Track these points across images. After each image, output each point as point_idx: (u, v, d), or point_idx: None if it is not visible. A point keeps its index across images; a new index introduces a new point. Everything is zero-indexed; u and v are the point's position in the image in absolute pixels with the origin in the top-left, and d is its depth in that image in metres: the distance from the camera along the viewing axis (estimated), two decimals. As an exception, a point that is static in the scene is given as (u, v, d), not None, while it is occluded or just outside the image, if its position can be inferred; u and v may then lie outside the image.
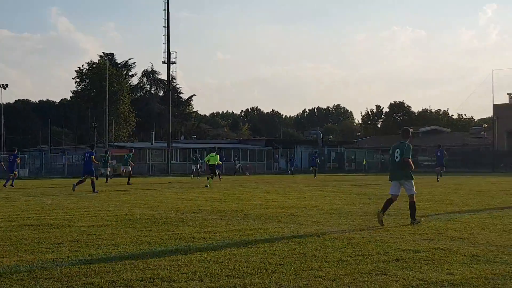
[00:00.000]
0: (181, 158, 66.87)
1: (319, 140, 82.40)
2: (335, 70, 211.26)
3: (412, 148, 13.15)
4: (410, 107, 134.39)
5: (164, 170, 62.55)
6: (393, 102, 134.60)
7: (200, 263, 8.35)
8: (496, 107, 75.61)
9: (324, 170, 66.37)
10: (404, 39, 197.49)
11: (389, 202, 13.08)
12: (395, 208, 16.97)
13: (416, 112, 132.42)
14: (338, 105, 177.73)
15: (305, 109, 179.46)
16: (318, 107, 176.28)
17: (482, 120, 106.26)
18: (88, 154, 26.41)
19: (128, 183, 34.63)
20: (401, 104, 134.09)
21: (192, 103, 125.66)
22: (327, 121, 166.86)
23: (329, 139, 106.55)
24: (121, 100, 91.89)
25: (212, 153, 32.62)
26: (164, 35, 66.76)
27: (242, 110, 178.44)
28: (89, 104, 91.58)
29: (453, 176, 46.64)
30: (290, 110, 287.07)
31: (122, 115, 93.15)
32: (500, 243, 10.20)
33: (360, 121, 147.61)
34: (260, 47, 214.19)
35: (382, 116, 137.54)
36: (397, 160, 13.10)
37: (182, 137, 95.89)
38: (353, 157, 78.82)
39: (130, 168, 37.06)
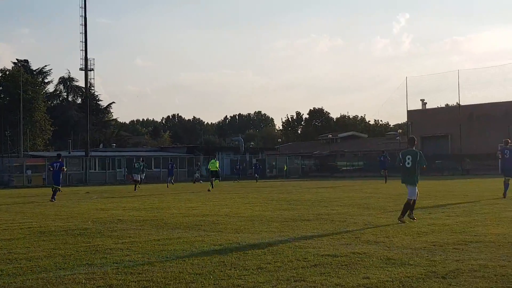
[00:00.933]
0: (100, 167, 65.52)
1: (240, 147, 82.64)
2: (256, 77, 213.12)
3: (423, 155, 14.84)
4: (329, 113, 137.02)
5: (82, 179, 61.19)
6: (312, 109, 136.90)
7: (117, 276, 8.16)
8: (410, 113, 77.94)
9: (246, 177, 66.57)
10: (322, 46, 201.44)
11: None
12: (314, 213, 17.19)
13: (334, 118, 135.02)
14: (259, 112, 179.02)
15: (226, 116, 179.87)
16: (240, 113, 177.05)
17: (398, 126, 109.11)
18: (58, 164, 27.34)
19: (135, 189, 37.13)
20: (320, 110, 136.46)
21: (111, 110, 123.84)
22: (249, 128, 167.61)
23: (251, 146, 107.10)
24: (36, 108, 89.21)
25: (212, 160, 36.98)
26: (82, 42, 65.53)
27: (163, 118, 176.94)
28: (2, 112, 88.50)
29: (371, 180, 47.70)
30: (211, 117, 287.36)
31: (38, 124, 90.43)
32: (414, 245, 10.46)
33: (280, 128, 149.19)
34: (181, 54, 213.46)
35: (302, 123, 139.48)
36: (408, 166, 14.54)
37: (101, 146, 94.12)
38: (274, 163, 79.44)
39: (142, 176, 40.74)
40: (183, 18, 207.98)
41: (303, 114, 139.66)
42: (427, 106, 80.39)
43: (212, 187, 34.70)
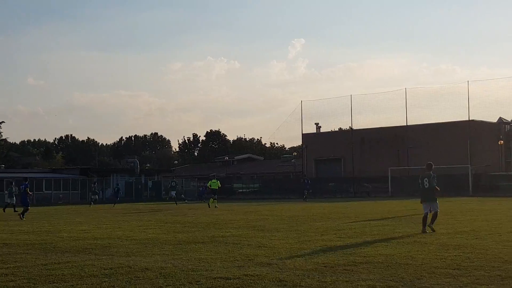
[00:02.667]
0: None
1: (135, 168, 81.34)
2: (152, 98, 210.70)
3: (436, 177, 17.60)
4: (225, 135, 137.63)
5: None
6: (209, 131, 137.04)
7: (-1, 303, 7.75)
8: (305, 136, 79.61)
9: (141, 199, 65.52)
10: (219, 69, 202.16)
11: (425, 218, 17.13)
12: (209, 235, 17.11)
13: (231, 141, 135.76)
14: (156, 133, 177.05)
15: (122, 137, 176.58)
16: (136, 135, 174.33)
17: (293, 149, 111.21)
18: (24, 186, 29.19)
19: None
20: (217, 132, 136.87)
21: (1, 130, 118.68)
22: (145, 150, 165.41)
23: (146, 167, 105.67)
24: None
25: (213, 180, 40.51)
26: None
27: (55, 138, 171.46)
28: None
29: (267, 202, 48.15)
30: (106, 138, 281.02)
31: None
32: (306, 267, 10.59)
33: (177, 150, 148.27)
34: (75, 74, 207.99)
35: (199, 145, 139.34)
36: (426, 186, 17.40)
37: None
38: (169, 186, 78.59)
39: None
40: (78, 38, 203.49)
41: (200, 136, 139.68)
42: (321, 130, 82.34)
43: (209, 206, 38.81)
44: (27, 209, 28.82)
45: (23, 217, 27.98)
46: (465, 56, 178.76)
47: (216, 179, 41.39)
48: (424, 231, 16.74)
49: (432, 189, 17.44)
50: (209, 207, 38.16)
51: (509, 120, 71.48)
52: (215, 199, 39.34)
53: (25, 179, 30.43)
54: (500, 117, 69.86)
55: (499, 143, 66.43)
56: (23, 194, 29.43)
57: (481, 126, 66.56)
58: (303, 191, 53.97)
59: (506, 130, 69.96)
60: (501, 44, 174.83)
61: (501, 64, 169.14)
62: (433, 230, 16.79)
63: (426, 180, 17.45)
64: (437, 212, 17.37)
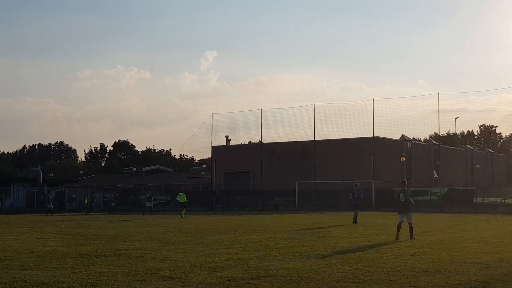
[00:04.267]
0: None
1: (38, 178, 78.79)
2: (59, 106, 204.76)
3: (410, 193, 20.74)
4: (134, 146, 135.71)
5: None
6: (117, 141, 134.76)
7: None
8: (215, 149, 79.51)
9: (43, 210, 63.39)
10: (130, 79, 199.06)
11: (399, 226, 19.73)
12: (112, 248, 16.69)
13: (140, 151, 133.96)
14: (61, 142, 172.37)
15: (25, 145, 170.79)
16: (40, 143, 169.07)
17: (202, 161, 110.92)
18: None
19: None
20: (126, 143, 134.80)
21: None
22: (49, 159, 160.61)
23: (50, 177, 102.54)
24: None
25: (180, 193, 45.01)
26: None
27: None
28: None
29: (174, 215, 47.63)
30: (8, 146, 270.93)
31: None
32: (209, 281, 10.47)
33: (83, 159, 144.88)
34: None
35: (106, 155, 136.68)
36: (402, 200, 20.11)
37: None
38: (74, 196, 76.57)
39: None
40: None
41: (107, 146, 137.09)
42: (231, 143, 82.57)
43: (182, 216, 41.21)
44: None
45: None
46: (371, 75, 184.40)
47: (183, 192, 45.34)
48: (397, 238, 19.19)
49: (408, 203, 20.16)
50: (182, 217, 40.71)
51: (411, 137, 74.10)
52: (182, 210, 42.67)
53: None
54: (402, 135, 72.33)
55: (401, 159, 68.74)
56: None
57: (385, 143, 68.69)
58: (214, 204, 56.78)
59: (408, 147, 72.49)
60: (404, 63, 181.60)
61: (403, 83, 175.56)
62: (412, 238, 19.32)
63: (402, 195, 20.21)
64: (411, 224, 19.76)
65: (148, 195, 54.90)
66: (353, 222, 29.53)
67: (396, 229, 19.94)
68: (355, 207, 30.95)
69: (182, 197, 44.24)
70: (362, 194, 32.58)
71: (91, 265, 12.83)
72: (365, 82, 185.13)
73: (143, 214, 48.87)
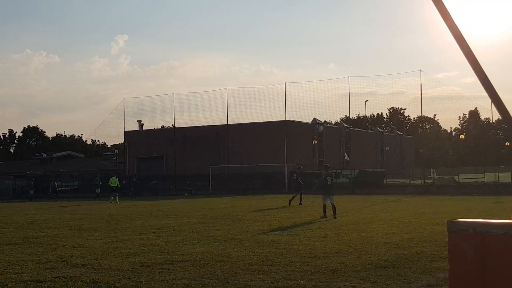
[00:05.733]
0: None
1: None
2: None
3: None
4: (44, 132, 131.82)
5: None
6: (26, 127, 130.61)
7: None
8: (127, 134, 78.44)
9: None
10: (38, 63, 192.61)
11: (324, 207, 21.76)
12: (22, 236, 16.32)
13: (50, 137, 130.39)
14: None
15: None
16: None
17: (115, 146, 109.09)
18: None
19: None
20: (35, 128, 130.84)
21: None
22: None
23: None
24: None
25: (113, 177, 44.73)
26: None
27: None
28: None
29: (86, 201, 46.83)
30: None
31: None
32: (122, 267, 10.45)
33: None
34: None
35: (15, 141, 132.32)
36: (329, 183, 22.25)
37: None
38: (-19, 183, 73.99)
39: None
40: None
41: (16, 132, 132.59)
42: (144, 128, 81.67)
43: (116, 202, 40.85)
44: None
45: None
46: (283, 59, 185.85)
47: (116, 177, 45.57)
48: (324, 216, 21.28)
49: (332, 185, 22.45)
50: (111, 203, 40.11)
51: (322, 121, 75.54)
52: (115, 196, 42.45)
53: None
54: (314, 118, 73.61)
55: (313, 142, 70.04)
56: None
57: (297, 126, 69.71)
58: (129, 190, 55.34)
59: (320, 130, 73.89)
60: (315, 47, 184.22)
61: (315, 67, 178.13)
62: (336, 218, 20.78)
63: (329, 178, 22.37)
64: (333, 204, 21.47)
65: (96, 182, 51.43)
66: (300, 204, 30.94)
67: (322, 210, 21.94)
68: (298, 189, 32.22)
69: (114, 181, 44.16)
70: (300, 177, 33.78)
71: (0, 254, 12.53)
72: (277, 66, 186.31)
73: (94, 199, 47.56)
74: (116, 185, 44.03)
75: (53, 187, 61.16)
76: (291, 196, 32.54)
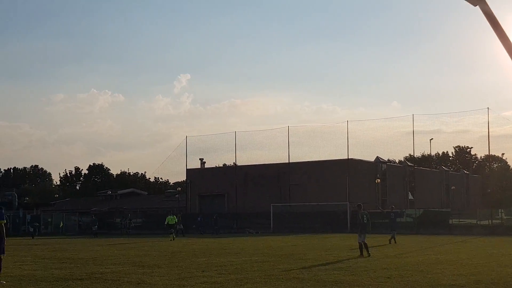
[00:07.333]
0: None
1: (13, 202, 78.16)
2: (33, 129, 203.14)
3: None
4: (109, 169, 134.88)
5: None
6: (92, 164, 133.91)
7: None
8: (189, 172, 79.36)
9: (19, 233, 62.75)
10: (103, 102, 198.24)
11: (361, 246, 22.40)
12: (88, 272, 16.69)
13: (115, 175, 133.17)
14: (36, 166, 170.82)
15: (0, 169, 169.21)
16: (15, 167, 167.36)
17: (177, 184, 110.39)
18: None
19: None
20: (100, 166, 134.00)
21: None
22: (24, 182, 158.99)
23: (25, 201, 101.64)
24: None
25: (169, 216, 46.26)
26: None
27: None
28: None
29: (149, 238, 47.46)
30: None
31: None
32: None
33: (58, 183, 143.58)
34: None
35: (81, 178, 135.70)
36: (365, 221, 22.87)
37: None
38: (50, 220, 75.95)
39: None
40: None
41: (82, 169, 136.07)
42: (206, 165, 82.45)
43: (173, 239, 42.31)
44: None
45: None
46: (344, 97, 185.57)
47: (173, 215, 47.34)
48: (361, 255, 21.97)
49: (369, 224, 23.21)
50: (171, 240, 41.49)
51: (386, 159, 74.74)
52: (171, 233, 43.53)
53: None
54: (377, 156, 72.91)
55: (376, 181, 69.25)
56: None
57: (359, 165, 69.12)
58: (198, 228, 59.44)
59: (383, 169, 73.09)
60: (378, 85, 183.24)
61: (377, 105, 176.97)
62: (369, 255, 21.88)
63: (365, 217, 23.05)
64: (365, 242, 22.40)
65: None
66: (389, 242, 31.74)
67: (359, 249, 22.68)
68: (394, 229, 33.54)
69: (172, 219, 45.70)
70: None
71: None
72: (338, 104, 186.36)
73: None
74: (174, 223, 45.61)
75: (126, 222, 64.25)
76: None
